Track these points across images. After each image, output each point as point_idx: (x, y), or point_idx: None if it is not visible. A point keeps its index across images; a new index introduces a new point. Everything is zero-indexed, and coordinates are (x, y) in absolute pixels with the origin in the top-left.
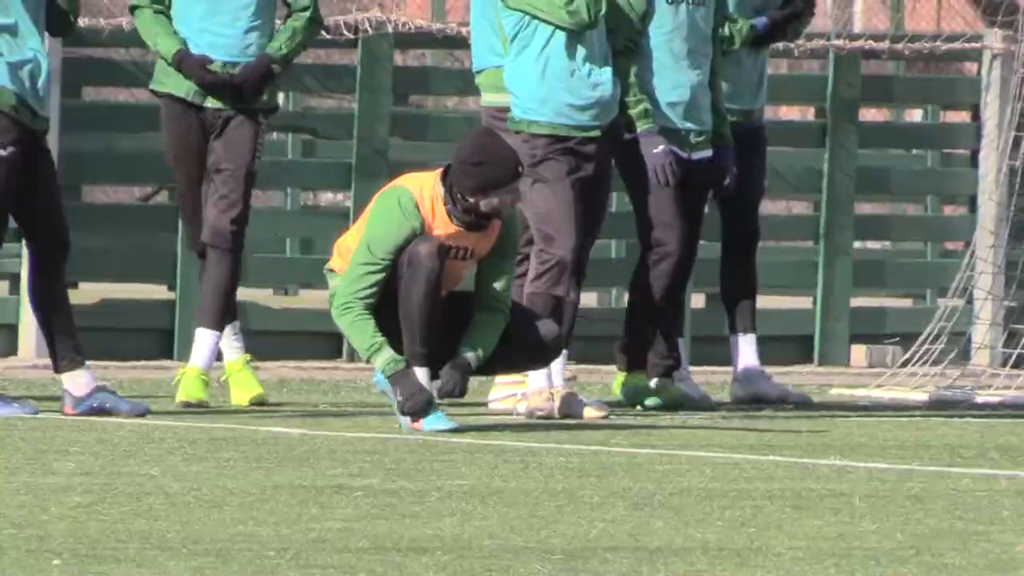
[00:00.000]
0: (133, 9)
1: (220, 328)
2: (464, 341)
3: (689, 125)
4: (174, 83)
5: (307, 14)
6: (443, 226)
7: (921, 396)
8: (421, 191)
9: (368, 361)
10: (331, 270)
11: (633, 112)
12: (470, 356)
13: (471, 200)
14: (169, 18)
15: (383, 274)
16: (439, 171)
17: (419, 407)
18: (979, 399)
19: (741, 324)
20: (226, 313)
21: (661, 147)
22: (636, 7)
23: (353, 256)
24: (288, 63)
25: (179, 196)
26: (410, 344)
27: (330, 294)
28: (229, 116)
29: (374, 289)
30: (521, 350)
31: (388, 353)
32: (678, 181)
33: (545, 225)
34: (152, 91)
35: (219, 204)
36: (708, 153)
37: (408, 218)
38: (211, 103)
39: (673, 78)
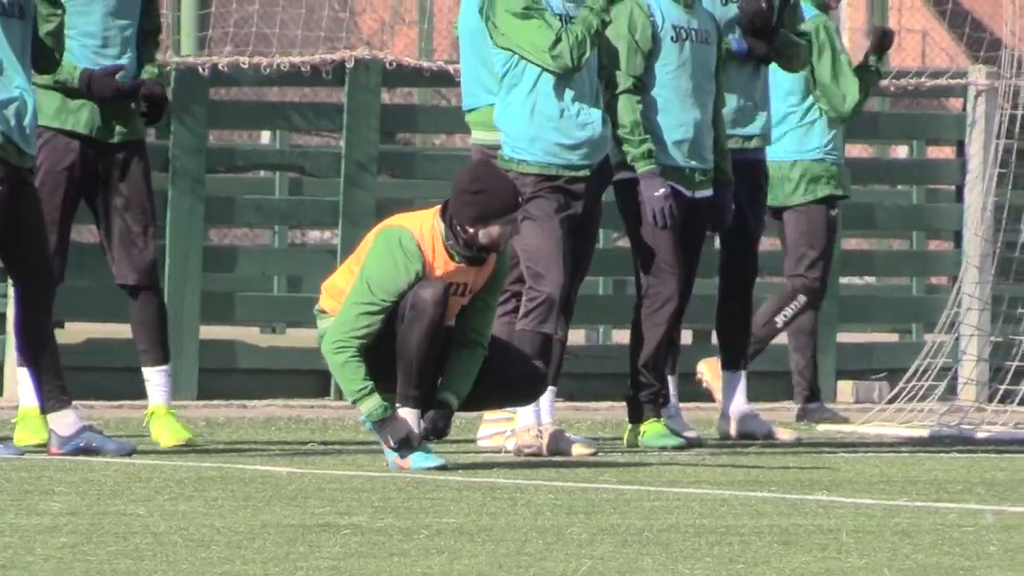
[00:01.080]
0: None
1: (167, 361)
2: (445, 384)
3: (693, 163)
4: (74, 120)
5: (159, 35)
6: (443, 265)
7: (913, 432)
8: (421, 230)
9: (354, 404)
10: (322, 311)
11: (636, 152)
12: (453, 400)
13: (470, 231)
14: None
15: (381, 316)
16: (437, 208)
17: (412, 448)
18: (979, 434)
19: (733, 361)
20: (167, 346)
21: (662, 190)
22: (642, 45)
23: (350, 295)
24: None
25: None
26: (403, 386)
27: (319, 334)
28: (127, 153)
29: (369, 330)
30: (507, 387)
31: (376, 399)
32: (678, 222)
33: (533, 262)
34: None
35: (137, 242)
36: (710, 192)
37: (410, 260)
38: (113, 138)
39: (678, 116)
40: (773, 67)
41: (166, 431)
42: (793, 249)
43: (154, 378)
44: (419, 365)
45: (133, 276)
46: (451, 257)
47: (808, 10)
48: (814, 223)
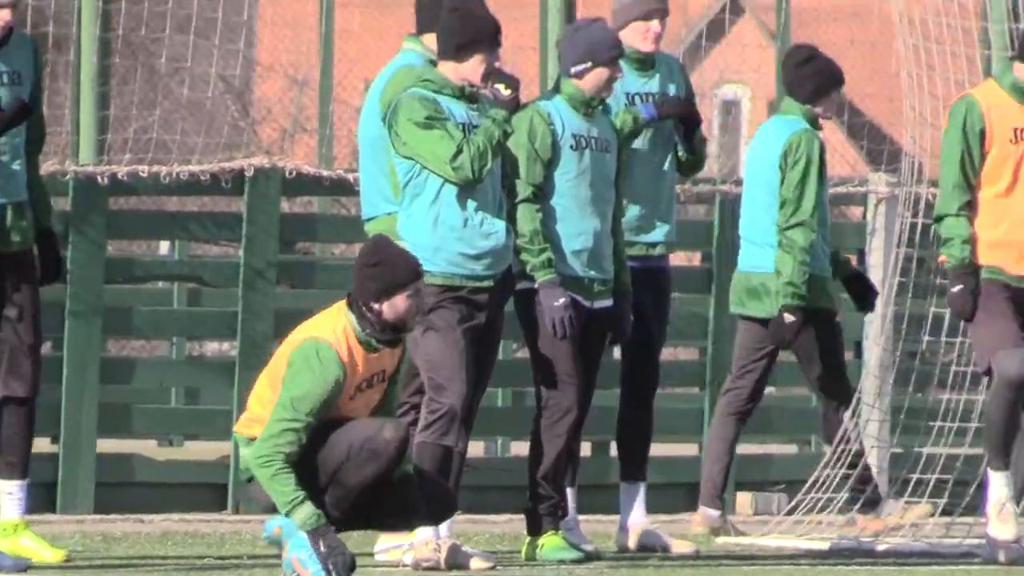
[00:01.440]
0: None
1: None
2: None
3: (593, 273)
4: None
5: (43, 143)
6: (362, 361)
7: (812, 544)
8: (335, 334)
9: (287, 514)
10: (251, 439)
11: (535, 261)
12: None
13: (376, 307)
14: None
15: (305, 432)
16: (342, 303)
17: (346, 565)
18: (879, 547)
19: (633, 472)
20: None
21: (562, 300)
22: (541, 153)
23: (273, 412)
24: None
25: None
26: (332, 507)
27: (243, 459)
28: (20, 263)
29: (294, 447)
30: (415, 510)
31: (309, 507)
32: (577, 332)
33: (435, 373)
34: None
35: (29, 354)
36: (609, 302)
37: (328, 369)
38: (8, 248)
39: (577, 224)
40: (758, 183)
41: (45, 547)
42: (811, 365)
43: (17, 491)
44: (358, 494)
45: (23, 388)
46: (367, 349)
47: (797, 123)
48: (823, 336)
